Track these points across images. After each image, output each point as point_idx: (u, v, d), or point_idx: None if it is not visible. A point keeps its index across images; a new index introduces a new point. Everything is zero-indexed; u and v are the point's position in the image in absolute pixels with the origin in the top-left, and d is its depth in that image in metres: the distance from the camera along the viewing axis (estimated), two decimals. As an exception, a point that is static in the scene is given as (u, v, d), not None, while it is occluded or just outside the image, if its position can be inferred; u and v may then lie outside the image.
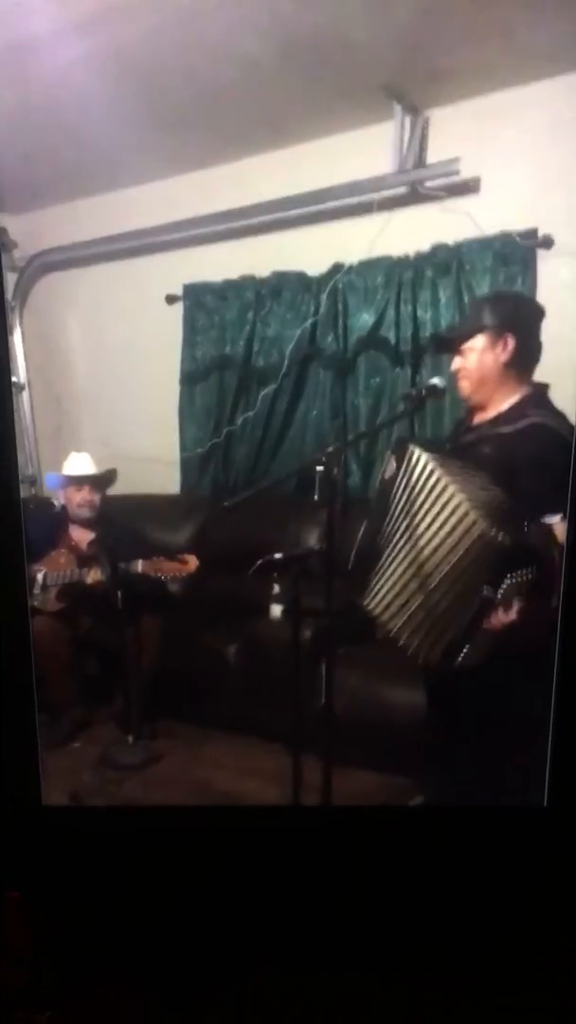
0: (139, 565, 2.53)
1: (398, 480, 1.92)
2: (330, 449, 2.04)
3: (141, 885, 1.88)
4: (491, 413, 1.93)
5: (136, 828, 1.98)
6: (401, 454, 1.92)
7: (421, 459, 1.88)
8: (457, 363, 1.96)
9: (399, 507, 1.93)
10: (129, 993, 1.68)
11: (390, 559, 1.97)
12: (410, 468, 1.89)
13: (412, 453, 1.89)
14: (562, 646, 1.79)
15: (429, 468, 1.87)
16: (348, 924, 1.81)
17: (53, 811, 2.00)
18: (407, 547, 1.94)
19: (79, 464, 2.74)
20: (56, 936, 1.84)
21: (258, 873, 1.87)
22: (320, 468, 1.97)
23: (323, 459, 1.97)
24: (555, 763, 1.82)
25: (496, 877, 1.86)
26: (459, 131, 2.28)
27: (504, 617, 1.85)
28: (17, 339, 3.15)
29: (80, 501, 2.71)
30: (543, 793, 1.85)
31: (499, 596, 1.84)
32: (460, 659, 1.89)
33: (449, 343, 2.04)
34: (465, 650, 1.89)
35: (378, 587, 1.99)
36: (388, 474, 1.98)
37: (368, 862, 1.89)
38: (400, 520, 1.94)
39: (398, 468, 1.92)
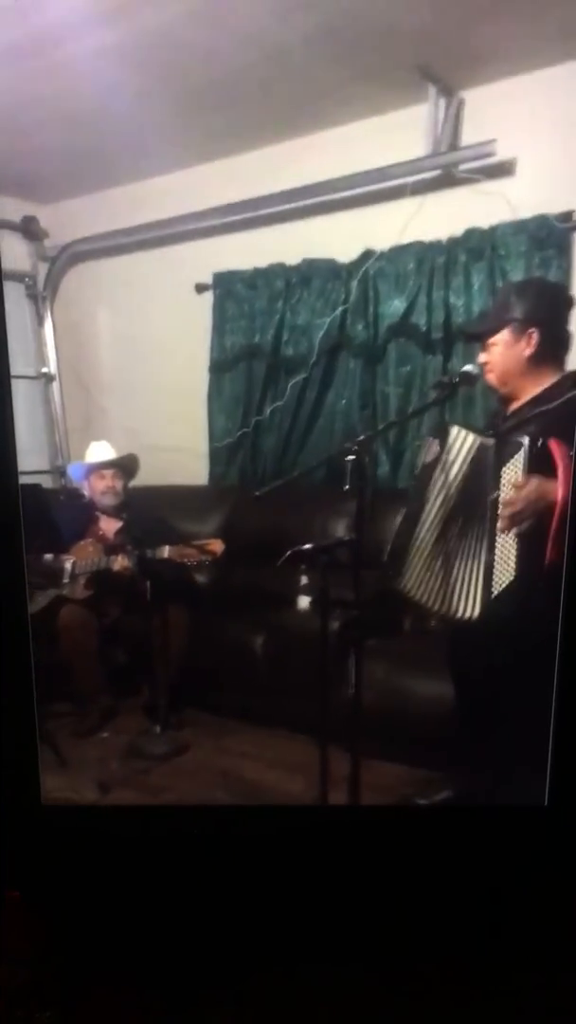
0: (166, 551, 2.53)
1: (440, 462, 1.90)
2: (361, 438, 2.01)
3: (141, 885, 1.88)
4: (525, 398, 1.90)
5: (136, 828, 1.98)
6: (443, 437, 1.91)
7: (467, 437, 1.87)
8: (483, 356, 1.95)
9: (440, 489, 1.92)
10: (129, 993, 1.68)
11: (425, 541, 1.95)
12: (454, 447, 1.88)
13: (456, 433, 1.88)
14: (563, 645, 1.76)
15: (475, 444, 1.86)
16: (348, 924, 1.80)
17: (53, 811, 2.01)
18: (443, 526, 1.93)
19: (99, 452, 2.75)
20: (56, 936, 1.85)
21: (258, 872, 1.87)
22: (351, 457, 1.96)
23: (354, 448, 1.96)
24: (555, 763, 1.80)
25: (496, 877, 1.85)
26: (494, 112, 2.23)
27: (512, 502, 1.83)
28: (48, 329, 3.17)
29: (103, 488, 2.71)
30: (543, 792, 1.83)
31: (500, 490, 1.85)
32: (494, 583, 1.88)
33: (474, 336, 2.02)
34: (495, 569, 1.88)
35: (411, 567, 1.98)
36: (430, 458, 1.97)
37: (368, 862, 1.88)
38: (440, 503, 1.92)
39: (440, 450, 1.91)
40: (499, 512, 1.87)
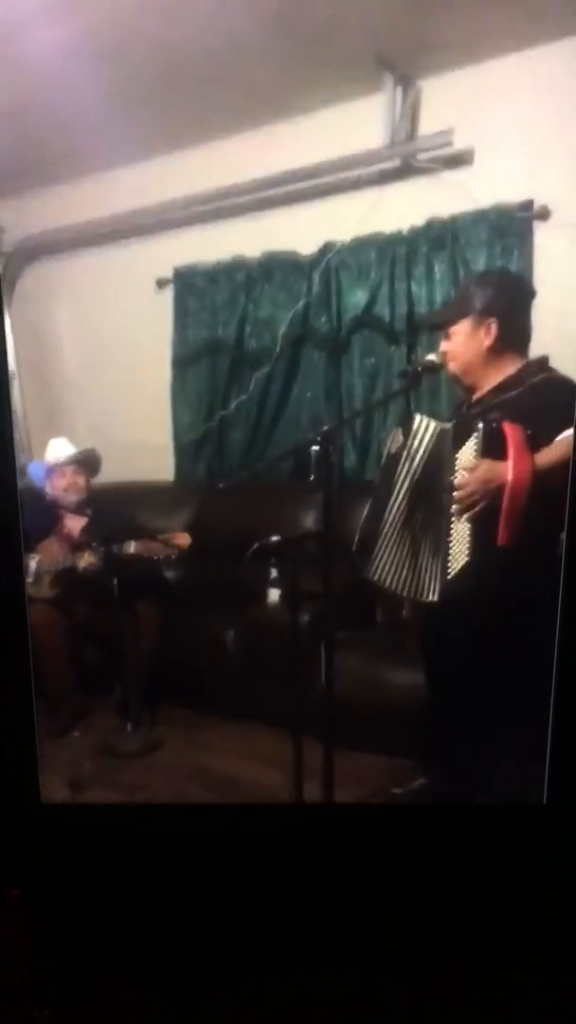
0: (131, 546, 2.52)
1: (405, 450, 1.92)
2: (325, 428, 2.02)
3: (141, 883, 1.87)
4: (487, 387, 1.92)
5: (136, 826, 1.97)
6: (407, 426, 1.93)
7: (429, 425, 1.89)
8: (444, 346, 1.98)
9: (404, 477, 1.94)
10: (129, 992, 1.68)
11: (392, 527, 1.97)
12: (417, 435, 1.90)
13: (419, 422, 1.90)
14: (561, 643, 1.77)
15: (435, 431, 1.89)
16: (348, 923, 1.81)
17: (53, 809, 2.00)
18: (408, 513, 1.95)
19: (58, 449, 2.72)
20: (56, 934, 1.84)
21: (259, 871, 1.87)
22: (315, 448, 1.97)
23: (318, 439, 1.96)
24: (554, 761, 1.82)
25: (496, 876, 1.86)
26: (452, 101, 2.23)
27: (464, 484, 1.86)
28: (6, 327, 3.11)
29: (64, 486, 2.69)
30: (542, 791, 1.84)
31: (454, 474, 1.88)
32: (450, 566, 1.92)
33: (436, 326, 2.04)
34: (450, 552, 1.92)
35: (379, 556, 2.00)
36: (395, 448, 1.98)
37: (368, 861, 1.88)
38: (405, 491, 1.94)
39: (404, 439, 1.93)
40: (452, 496, 1.89)
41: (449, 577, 1.94)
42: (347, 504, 2.28)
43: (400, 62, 2.23)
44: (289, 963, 1.73)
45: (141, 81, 2.31)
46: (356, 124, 2.35)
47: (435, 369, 2.04)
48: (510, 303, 1.97)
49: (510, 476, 1.81)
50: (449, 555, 1.93)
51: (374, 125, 2.31)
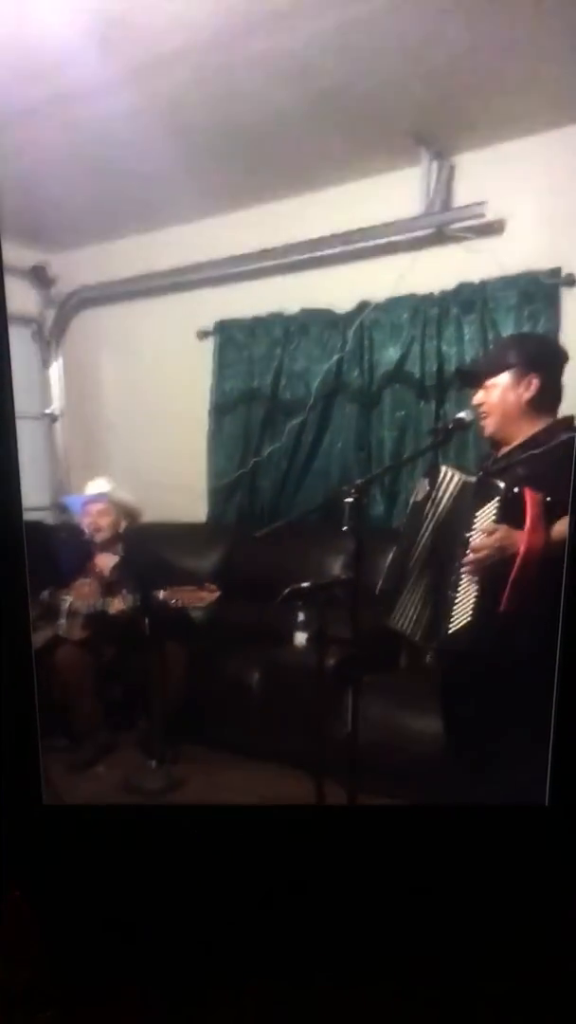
0: (161, 594, 2.57)
1: (430, 499, 1.97)
2: (359, 481, 2.09)
3: (142, 885, 1.88)
4: (516, 442, 1.98)
5: (137, 828, 1.98)
6: (433, 476, 1.98)
7: (453, 476, 1.94)
8: (480, 397, 2.01)
9: (427, 525, 1.98)
10: (130, 993, 1.68)
11: (413, 574, 2.01)
12: (441, 485, 1.95)
13: (444, 472, 1.95)
14: (563, 646, 1.80)
15: (459, 482, 1.95)
16: (349, 924, 1.81)
17: (54, 811, 2.01)
18: (427, 562, 1.99)
19: (93, 487, 2.80)
20: (56, 935, 1.84)
21: (259, 872, 1.87)
22: (350, 499, 2.03)
23: (353, 490, 2.03)
24: (556, 762, 1.83)
25: (497, 876, 1.85)
26: (484, 174, 2.36)
27: (480, 548, 1.89)
28: (53, 371, 3.26)
29: (88, 523, 2.76)
30: (544, 792, 1.85)
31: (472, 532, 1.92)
32: (452, 622, 1.95)
33: (473, 377, 2.09)
34: (454, 608, 1.95)
35: (400, 602, 2.04)
36: (420, 496, 2.04)
37: (369, 862, 1.88)
38: (427, 539, 1.98)
39: (431, 488, 1.98)
40: (467, 554, 1.93)
41: (450, 632, 1.97)
42: (372, 550, 2.33)
43: (436, 139, 2.37)
44: (289, 964, 1.73)
45: (191, 149, 2.46)
46: (393, 194, 2.48)
47: (465, 426, 2.09)
48: (550, 362, 2.01)
49: (523, 547, 1.84)
50: (453, 611, 1.97)
51: (410, 195, 2.44)
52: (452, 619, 1.96)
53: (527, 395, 1.94)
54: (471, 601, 1.94)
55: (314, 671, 2.21)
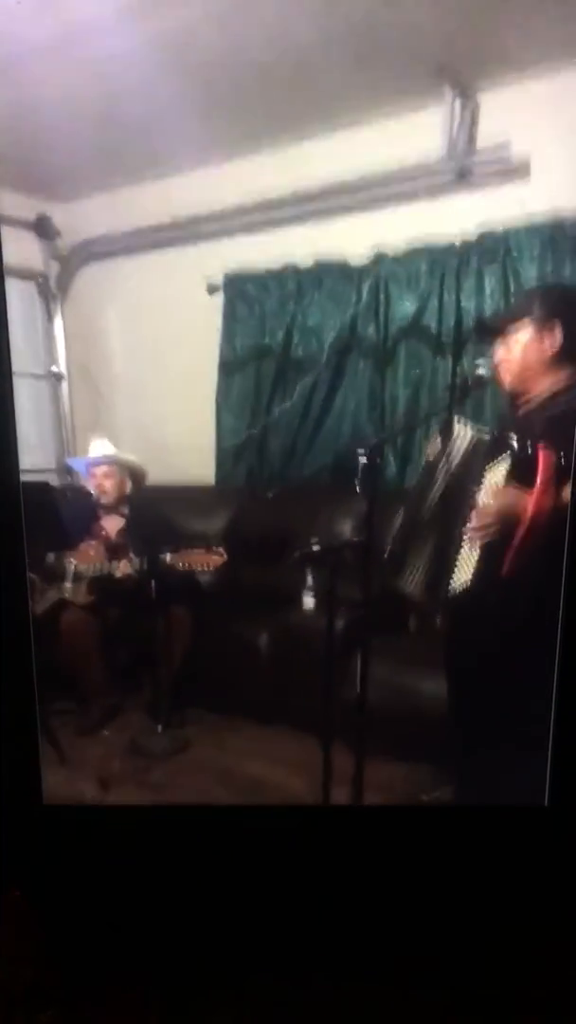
0: (168, 558, 2.52)
1: (443, 457, 1.91)
2: (373, 440, 2.02)
3: (142, 884, 1.87)
4: (535, 401, 1.90)
5: (137, 827, 1.96)
6: (447, 434, 1.91)
7: (467, 433, 1.88)
8: (501, 353, 1.92)
9: (441, 484, 1.92)
10: (130, 992, 1.67)
11: (426, 536, 1.96)
12: (455, 441, 1.89)
13: (458, 429, 1.89)
14: (563, 645, 1.75)
15: (473, 439, 1.89)
16: (349, 924, 1.79)
17: (54, 809, 1.99)
18: (436, 518, 1.93)
19: (98, 450, 2.74)
20: (57, 935, 1.84)
21: (259, 872, 1.85)
22: (363, 460, 1.97)
23: (366, 451, 1.96)
24: (556, 763, 1.80)
25: (497, 877, 1.83)
26: (510, 114, 2.24)
27: (486, 509, 1.84)
28: (58, 329, 3.19)
29: (95, 485, 2.71)
30: (543, 793, 1.82)
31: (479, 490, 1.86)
32: (453, 581, 1.91)
33: (493, 330, 2.00)
34: (456, 568, 1.90)
35: (410, 563, 1.99)
36: (432, 454, 1.97)
37: (369, 862, 1.86)
38: (440, 497, 1.92)
39: (443, 446, 1.91)
40: (472, 516, 1.87)
41: (449, 591, 1.93)
42: (384, 513, 2.27)
43: (460, 74, 2.24)
44: (290, 964, 1.71)
45: (203, 90, 2.34)
46: (414, 135, 2.36)
47: (483, 383, 2.02)
48: (573, 313, 1.91)
49: (530, 510, 1.77)
50: (455, 571, 1.92)
51: (432, 136, 2.32)
52: (453, 579, 1.91)
53: (550, 349, 1.85)
54: (473, 562, 1.89)
55: (323, 634, 2.16)
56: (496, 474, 1.85)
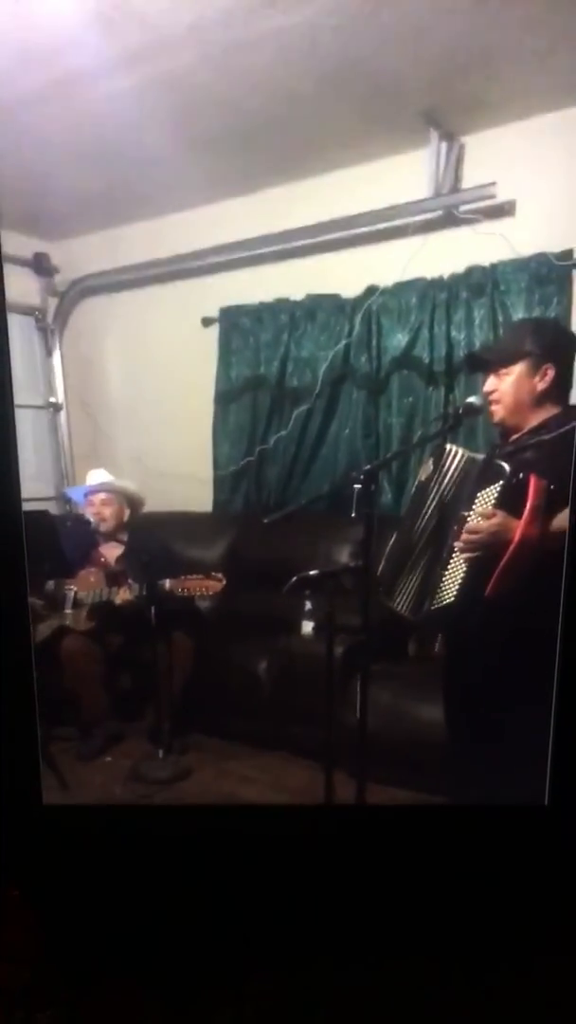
0: (167, 583, 2.55)
1: (434, 478, 1.95)
2: (367, 467, 2.07)
3: (141, 884, 1.87)
4: (525, 428, 1.94)
5: (136, 827, 1.97)
6: (439, 455, 1.96)
7: (457, 453, 1.93)
8: (491, 384, 1.96)
9: (432, 505, 1.96)
10: (129, 992, 1.67)
11: (417, 556, 2.00)
12: (447, 461, 1.93)
13: (450, 449, 1.93)
14: (563, 644, 1.78)
15: (465, 458, 1.94)
16: (349, 924, 1.79)
17: (53, 810, 2.00)
18: (429, 539, 1.97)
19: (96, 480, 2.78)
20: (56, 935, 1.83)
21: (259, 872, 1.86)
22: (358, 486, 2.01)
23: (361, 477, 2.01)
24: (556, 762, 1.81)
25: (497, 876, 1.84)
26: (494, 155, 2.33)
27: (475, 531, 1.88)
28: (56, 361, 3.24)
29: (92, 514, 2.75)
30: (544, 792, 1.84)
31: (471, 512, 1.90)
32: (436, 599, 1.95)
33: (486, 363, 2.06)
34: (440, 585, 1.94)
35: (400, 582, 2.03)
36: (425, 476, 2.02)
37: (369, 862, 1.87)
38: (432, 517, 1.96)
39: (435, 467, 1.96)
40: (462, 535, 1.91)
41: (432, 608, 1.96)
42: (380, 537, 2.31)
43: (445, 119, 2.34)
44: (290, 964, 1.72)
45: (196, 132, 2.42)
46: (402, 176, 2.45)
47: (476, 412, 2.06)
48: (565, 350, 1.96)
49: (517, 536, 1.81)
50: (439, 588, 1.96)
51: (419, 177, 2.41)
52: (437, 596, 1.95)
53: (541, 385, 1.90)
54: (457, 582, 1.93)
55: (322, 660, 2.19)
56: (487, 497, 1.90)
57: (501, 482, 1.87)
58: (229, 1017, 1.61)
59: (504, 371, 1.93)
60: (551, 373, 1.88)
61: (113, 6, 1.91)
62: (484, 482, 1.91)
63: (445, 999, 1.63)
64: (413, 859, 1.85)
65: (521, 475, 1.84)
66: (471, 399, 2.09)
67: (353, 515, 2.05)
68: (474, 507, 1.90)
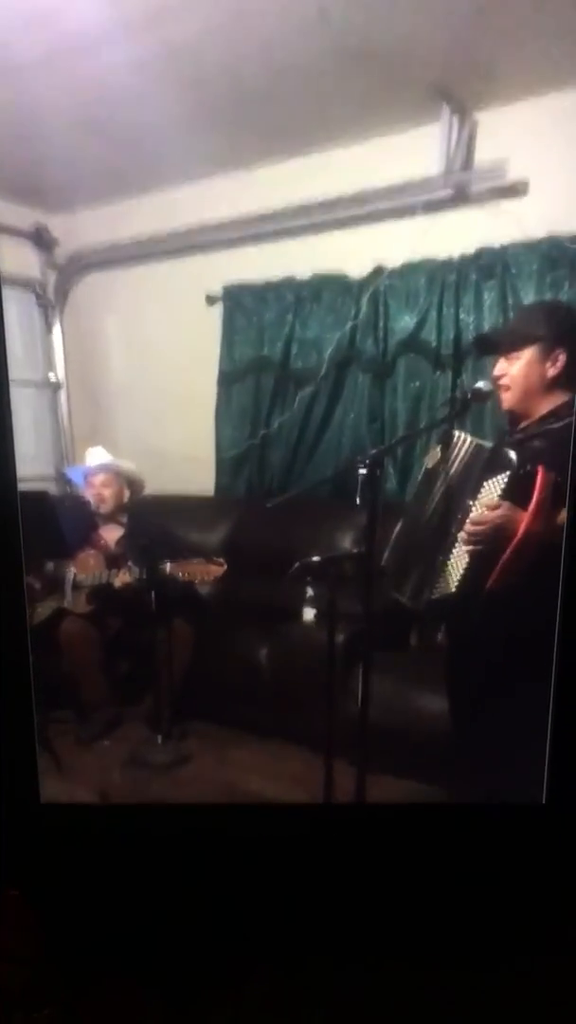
0: (167, 567, 2.53)
1: (442, 465, 1.92)
2: (373, 452, 2.03)
3: (141, 883, 1.87)
4: (534, 416, 1.91)
5: (135, 826, 1.97)
6: (447, 442, 1.93)
7: (465, 440, 1.89)
8: (501, 368, 1.93)
9: (439, 493, 1.94)
10: (129, 991, 1.68)
11: (423, 545, 1.97)
12: (454, 448, 1.90)
13: (458, 436, 1.90)
14: (560, 643, 1.77)
15: (473, 445, 1.91)
16: (348, 923, 1.80)
17: (52, 809, 2.00)
18: (438, 527, 1.95)
19: (95, 458, 2.74)
20: (55, 934, 1.84)
21: (259, 871, 1.86)
22: (362, 472, 1.98)
23: (366, 462, 1.97)
24: (554, 760, 1.81)
25: (495, 875, 1.84)
26: (508, 132, 2.26)
27: (479, 521, 1.86)
28: (56, 338, 3.19)
29: (92, 495, 2.72)
30: (541, 791, 1.84)
31: (476, 501, 1.88)
32: (436, 588, 1.93)
33: (495, 347, 2.01)
34: (442, 575, 1.92)
35: (404, 570, 2.01)
36: (432, 463, 1.98)
37: (367, 861, 1.87)
38: (439, 505, 1.93)
39: (442, 455, 1.92)
40: (466, 525, 1.89)
41: (433, 597, 1.94)
42: (384, 524, 2.28)
43: (458, 93, 2.26)
44: (289, 964, 1.73)
45: (203, 103, 2.35)
46: (412, 152, 2.37)
47: (484, 397, 2.02)
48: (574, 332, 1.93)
49: (522, 529, 1.79)
50: (440, 577, 1.93)
51: (430, 154, 2.34)
52: (438, 585, 1.93)
53: (552, 371, 1.86)
54: (460, 572, 1.90)
55: (323, 648, 2.17)
56: (494, 487, 1.86)
57: (508, 472, 1.83)
58: (228, 1016, 1.62)
59: (514, 355, 1.89)
60: (562, 359, 1.84)
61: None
62: (490, 471, 1.88)
63: (444, 998, 1.64)
64: (411, 858, 1.85)
65: (529, 466, 1.80)
66: (479, 384, 2.05)
67: (358, 501, 2.02)
68: (479, 497, 1.87)
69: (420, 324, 2.51)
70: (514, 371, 1.89)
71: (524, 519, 1.79)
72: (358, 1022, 1.63)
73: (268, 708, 2.52)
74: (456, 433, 1.98)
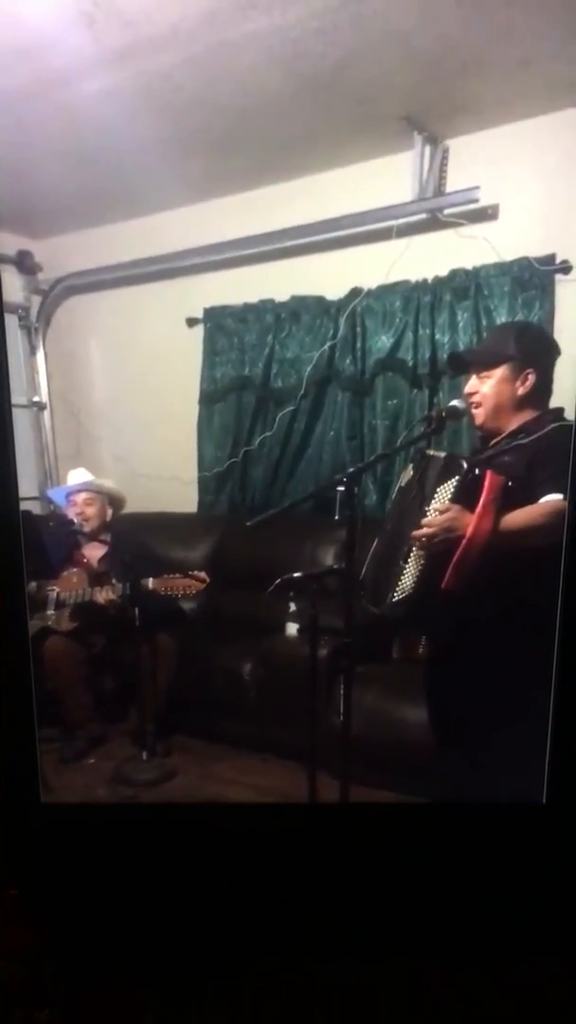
0: (150, 583, 2.54)
1: (414, 483, 1.96)
2: (351, 470, 2.07)
3: (140, 882, 1.87)
4: (506, 432, 1.95)
5: (135, 826, 1.98)
6: (420, 461, 1.96)
7: (439, 457, 1.92)
8: (473, 386, 1.97)
9: (408, 505, 1.97)
10: (128, 990, 1.68)
11: (392, 554, 2.00)
12: (427, 467, 1.94)
13: (430, 455, 1.93)
14: (560, 644, 1.79)
15: (437, 461, 1.93)
16: (348, 922, 1.80)
17: (52, 809, 2.00)
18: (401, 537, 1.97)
19: (77, 479, 2.77)
20: (55, 933, 1.83)
21: (259, 870, 1.86)
22: (341, 488, 2.01)
23: (344, 479, 2.01)
24: (554, 761, 1.82)
25: (495, 875, 1.85)
26: (478, 159, 2.34)
27: (429, 524, 1.88)
28: (40, 360, 3.22)
29: (74, 514, 2.74)
30: (542, 791, 1.85)
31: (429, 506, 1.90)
32: (396, 590, 1.95)
33: (467, 365, 2.06)
34: (400, 578, 1.94)
35: (374, 581, 2.03)
36: (405, 480, 2.02)
37: (368, 860, 1.88)
38: (407, 516, 1.97)
39: (415, 472, 1.96)
40: (419, 528, 1.92)
41: (393, 600, 1.96)
42: (365, 541, 2.32)
43: (429, 123, 2.34)
44: (289, 964, 1.73)
45: (181, 132, 2.41)
46: (386, 178, 2.45)
47: (458, 415, 2.06)
48: (545, 357, 1.97)
49: (469, 531, 1.82)
50: (399, 581, 1.96)
51: (403, 180, 2.41)
52: (396, 588, 1.95)
53: (522, 390, 1.91)
54: (415, 573, 1.93)
55: (306, 661, 2.19)
56: (444, 492, 1.90)
57: (457, 477, 1.87)
58: (227, 1016, 1.62)
59: (486, 374, 1.93)
60: (531, 378, 1.89)
61: (95, 4, 1.90)
62: (444, 478, 1.91)
63: (443, 998, 1.65)
64: (411, 857, 1.86)
65: (477, 471, 1.85)
66: (454, 403, 2.09)
67: (336, 517, 2.05)
68: (433, 503, 1.91)
69: (396, 344, 2.57)
70: (485, 389, 1.93)
71: (471, 520, 1.84)
72: (358, 1022, 1.63)
73: (252, 722, 2.54)
74: (430, 452, 2.02)
